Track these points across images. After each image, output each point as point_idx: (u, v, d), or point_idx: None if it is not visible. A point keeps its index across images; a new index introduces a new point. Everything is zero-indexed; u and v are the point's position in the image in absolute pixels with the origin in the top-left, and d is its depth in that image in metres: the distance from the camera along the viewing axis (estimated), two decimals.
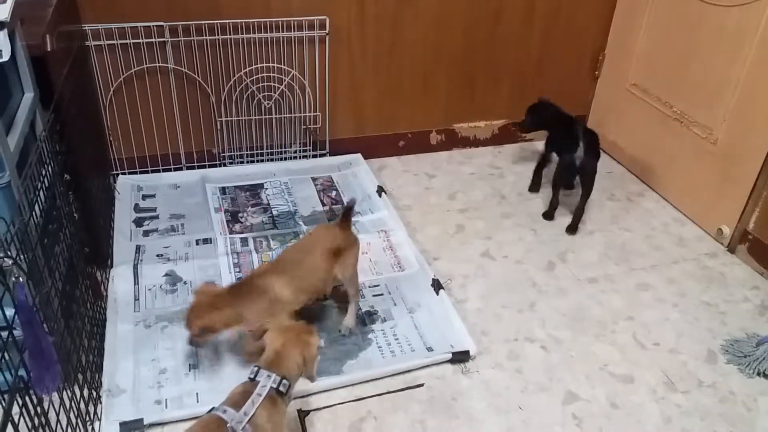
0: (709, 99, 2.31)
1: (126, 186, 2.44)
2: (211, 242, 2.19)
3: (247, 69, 2.44)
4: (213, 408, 1.25)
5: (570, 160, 2.28)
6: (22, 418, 1.05)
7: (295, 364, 1.33)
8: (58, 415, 1.25)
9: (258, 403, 1.24)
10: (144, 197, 2.42)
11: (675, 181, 2.54)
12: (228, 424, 1.19)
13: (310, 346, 1.37)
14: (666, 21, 2.49)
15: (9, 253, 1.05)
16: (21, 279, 1.03)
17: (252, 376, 1.30)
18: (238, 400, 1.25)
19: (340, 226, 1.78)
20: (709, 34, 2.28)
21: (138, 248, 2.14)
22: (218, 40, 2.36)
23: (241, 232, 2.25)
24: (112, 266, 2.03)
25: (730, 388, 1.76)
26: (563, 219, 2.44)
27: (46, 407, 1.15)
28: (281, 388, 1.29)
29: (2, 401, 1.00)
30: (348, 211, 1.80)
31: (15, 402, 1.03)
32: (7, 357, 1.03)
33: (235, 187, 2.50)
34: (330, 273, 1.74)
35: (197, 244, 2.18)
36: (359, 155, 2.72)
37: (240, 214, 2.35)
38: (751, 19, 2.11)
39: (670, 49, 2.47)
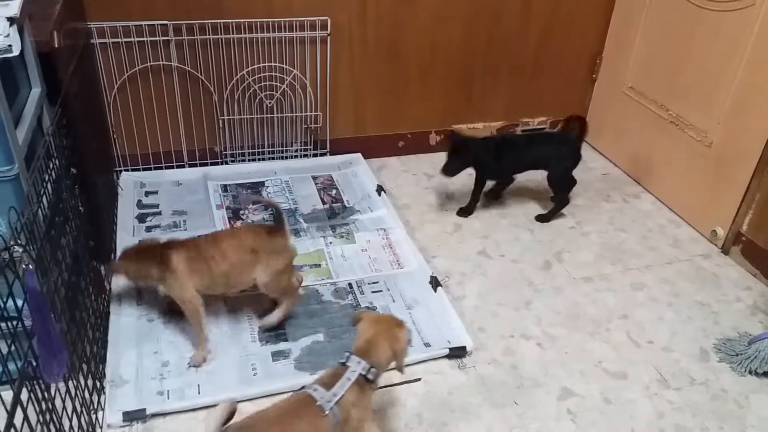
0: (704, 102, 2.35)
1: (129, 182, 2.47)
2: None
3: (250, 68, 2.48)
4: (303, 386, 1.32)
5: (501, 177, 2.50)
6: (30, 403, 1.08)
7: (384, 354, 1.38)
8: (63, 402, 1.28)
9: (347, 386, 1.30)
10: (147, 194, 2.45)
11: (670, 183, 2.57)
12: (317, 402, 1.26)
13: (400, 341, 1.41)
14: (662, 25, 2.53)
15: (19, 241, 1.08)
16: (31, 266, 1.06)
17: (343, 361, 1.36)
18: (328, 381, 1.32)
19: (267, 231, 1.76)
20: (705, 38, 2.32)
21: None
22: (221, 39, 2.40)
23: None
24: (115, 261, 2.06)
25: (722, 386, 1.79)
26: (560, 219, 2.48)
27: (52, 394, 1.18)
28: (369, 376, 1.34)
29: (12, 387, 1.03)
30: (278, 218, 1.77)
31: (24, 387, 1.06)
32: (15, 346, 1.06)
33: (236, 184, 2.53)
34: (239, 270, 1.73)
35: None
36: (359, 155, 2.75)
37: (241, 212, 2.38)
38: (745, 24, 2.15)
39: (666, 53, 2.51)
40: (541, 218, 2.45)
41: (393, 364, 1.42)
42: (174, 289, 1.71)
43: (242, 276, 1.75)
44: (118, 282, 1.96)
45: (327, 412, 1.26)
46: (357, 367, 1.33)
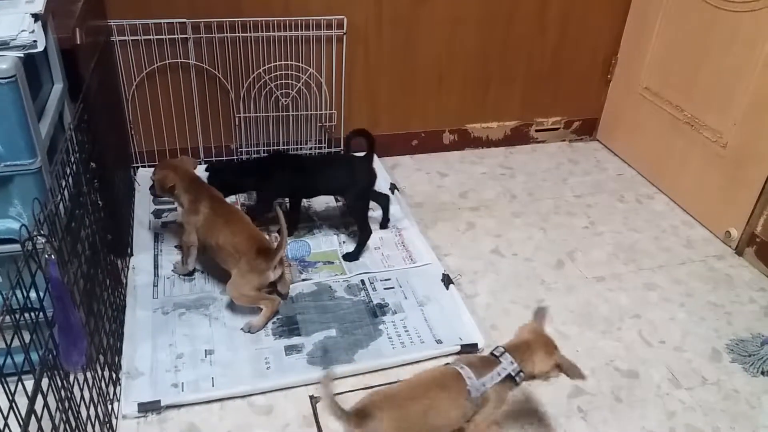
0: (720, 103, 2.34)
1: (146, 178, 2.48)
2: None
3: (266, 66, 2.50)
4: (448, 363, 1.41)
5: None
6: (50, 391, 1.10)
7: (536, 363, 1.43)
8: (81, 391, 1.31)
9: (496, 381, 1.38)
10: None
11: (685, 184, 2.57)
12: (467, 384, 1.35)
13: (559, 357, 1.45)
14: (678, 25, 2.52)
15: (42, 232, 1.11)
16: (53, 257, 1.09)
17: (497, 354, 1.42)
18: (479, 366, 1.40)
19: (257, 249, 1.86)
20: (721, 38, 2.31)
21: (157, 239, 2.21)
22: (239, 37, 2.43)
23: (258, 226, 2.30)
24: (131, 255, 2.09)
25: (734, 386, 1.78)
26: (573, 219, 2.48)
27: (71, 381, 1.21)
28: (517, 378, 1.40)
29: (34, 375, 1.05)
30: (279, 245, 1.85)
31: (44, 375, 1.08)
32: (36, 337, 1.09)
33: None
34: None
35: None
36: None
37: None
38: (762, 24, 2.14)
39: (682, 54, 2.51)
40: (349, 257, 2.17)
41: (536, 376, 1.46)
42: (183, 216, 1.98)
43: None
44: (134, 276, 2.00)
45: (471, 397, 1.34)
46: (509, 366, 1.40)
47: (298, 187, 2.21)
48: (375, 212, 2.41)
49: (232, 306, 1.92)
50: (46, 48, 1.47)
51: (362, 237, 2.18)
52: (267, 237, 2.02)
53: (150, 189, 2.04)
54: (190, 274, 2.04)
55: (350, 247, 2.21)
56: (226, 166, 2.36)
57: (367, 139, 2.16)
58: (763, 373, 1.82)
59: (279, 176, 2.15)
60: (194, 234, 1.96)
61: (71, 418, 1.19)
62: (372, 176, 2.20)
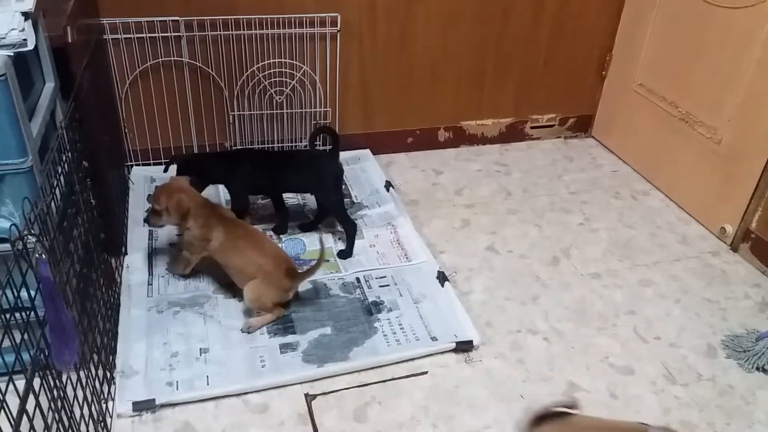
0: (715, 99, 2.34)
1: (140, 177, 2.50)
2: None
3: (260, 64, 2.49)
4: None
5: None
6: (42, 391, 1.10)
7: None
8: (75, 390, 1.30)
9: None
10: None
11: (680, 180, 2.57)
12: None
13: None
14: (673, 22, 2.52)
15: (32, 231, 1.10)
16: (44, 256, 1.08)
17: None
18: None
19: (286, 269, 1.86)
20: (715, 35, 2.31)
21: (151, 237, 2.20)
22: (232, 35, 2.42)
23: (252, 224, 2.30)
24: (126, 254, 2.08)
25: (729, 382, 1.79)
26: (569, 216, 2.48)
27: (64, 381, 1.21)
28: None
29: (25, 375, 1.05)
30: (311, 269, 1.89)
31: (36, 375, 1.08)
32: (28, 336, 1.08)
33: None
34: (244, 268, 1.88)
35: None
36: (368, 151, 2.77)
37: (251, 207, 2.39)
38: (756, 21, 2.14)
39: (677, 50, 2.51)
40: (343, 254, 2.17)
41: None
42: (189, 239, 1.90)
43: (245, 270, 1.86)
44: (129, 275, 1.99)
45: None
46: None
47: (264, 183, 2.19)
48: (371, 210, 2.42)
49: (227, 304, 1.91)
50: (37, 46, 1.46)
51: (349, 231, 2.18)
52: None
53: (148, 218, 1.90)
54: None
55: (344, 245, 2.20)
56: (195, 156, 2.37)
57: (331, 136, 2.20)
58: (758, 368, 1.82)
59: (242, 171, 2.14)
60: (199, 256, 1.93)
61: (64, 418, 1.18)
62: (339, 170, 2.18)
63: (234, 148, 2.37)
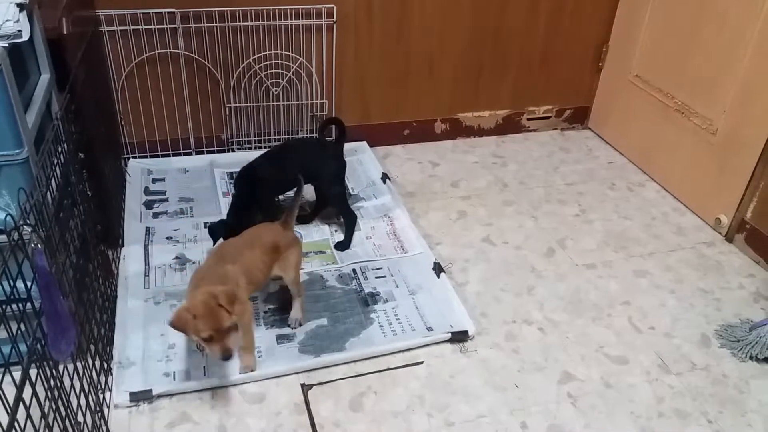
0: (710, 90, 2.35)
1: (136, 169, 2.50)
2: None
3: (256, 56, 2.49)
4: None
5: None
6: (39, 380, 1.10)
7: None
8: (72, 380, 1.31)
9: None
10: (154, 181, 2.48)
11: (675, 171, 2.57)
12: None
13: None
14: (668, 12, 2.52)
15: (28, 221, 1.10)
16: (39, 246, 1.09)
17: None
18: None
19: (281, 225, 1.80)
20: (711, 25, 2.32)
21: (148, 230, 2.21)
22: (228, 27, 2.42)
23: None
24: (122, 245, 2.09)
25: (723, 371, 1.80)
26: (565, 207, 2.49)
27: (61, 371, 1.21)
28: None
29: (22, 364, 1.05)
30: (290, 211, 1.82)
31: (33, 364, 1.08)
32: (24, 327, 1.09)
33: None
34: (269, 268, 1.73)
35: (205, 227, 2.23)
36: (364, 143, 2.77)
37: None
38: (751, 11, 2.14)
39: (672, 41, 2.51)
40: (340, 246, 2.17)
41: None
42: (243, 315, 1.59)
43: (267, 274, 1.74)
44: (126, 267, 2.00)
45: None
46: None
47: (285, 185, 2.16)
48: (368, 202, 2.42)
49: None
50: (32, 38, 1.46)
51: (348, 223, 2.18)
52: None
53: (227, 352, 1.49)
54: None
55: (342, 236, 2.21)
56: (231, 214, 2.10)
57: (339, 127, 2.21)
58: (751, 357, 1.83)
59: (265, 186, 2.11)
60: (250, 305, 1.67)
61: (61, 407, 1.19)
62: (344, 161, 2.21)
63: (242, 170, 2.16)
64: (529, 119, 3.02)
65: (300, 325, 1.83)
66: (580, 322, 1.94)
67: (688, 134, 2.47)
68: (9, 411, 0.96)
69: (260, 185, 2.12)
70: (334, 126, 2.27)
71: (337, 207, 2.22)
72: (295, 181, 2.07)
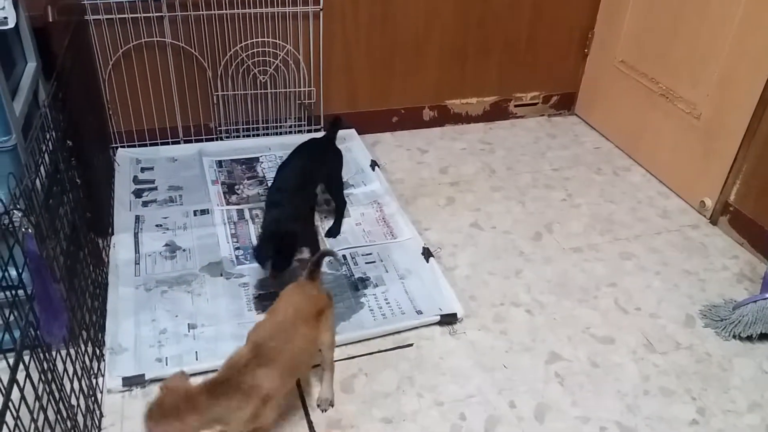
0: (694, 75, 2.38)
1: (125, 158, 2.50)
2: (208, 213, 2.25)
3: (243, 44, 2.49)
4: None
5: None
6: (33, 362, 1.12)
7: None
8: (65, 364, 1.32)
9: None
10: (143, 170, 2.48)
11: (660, 155, 2.61)
12: None
13: None
14: None
15: (18, 206, 1.11)
16: (30, 230, 1.10)
17: None
18: None
19: (311, 281, 1.52)
20: (694, 10, 2.34)
21: (137, 218, 2.21)
22: (214, 14, 2.41)
23: (238, 204, 2.32)
24: (113, 234, 2.09)
25: (707, 350, 1.83)
26: (552, 192, 2.51)
27: (54, 355, 1.22)
28: None
29: (15, 348, 1.06)
30: (316, 265, 1.53)
31: (26, 347, 1.10)
32: (17, 314, 1.10)
33: (231, 160, 2.56)
34: (317, 342, 1.48)
35: (195, 214, 2.25)
36: (353, 130, 2.78)
37: (236, 187, 2.41)
38: None
39: (657, 26, 2.53)
40: (331, 232, 2.17)
41: None
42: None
43: (315, 351, 1.52)
44: (116, 254, 2.01)
45: None
46: None
47: (312, 195, 2.10)
48: (357, 189, 2.44)
49: (214, 283, 1.94)
50: (18, 26, 1.46)
51: (339, 209, 2.21)
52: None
53: None
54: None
55: (331, 222, 2.22)
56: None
57: (340, 125, 2.28)
58: (734, 336, 1.87)
59: (297, 209, 1.95)
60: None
61: (54, 390, 1.20)
62: (341, 152, 2.25)
63: (268, 204, 1.97)
64: (516, 106, 3.04)
65: (332, 406, 1.58)
66: (567, 304, 1.97)
67: (673, 119, 2.50)
68: (3, 392, 0.97)
69: (299, 211, 1.96)
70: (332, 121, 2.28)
71: (335, 194, 2.21)
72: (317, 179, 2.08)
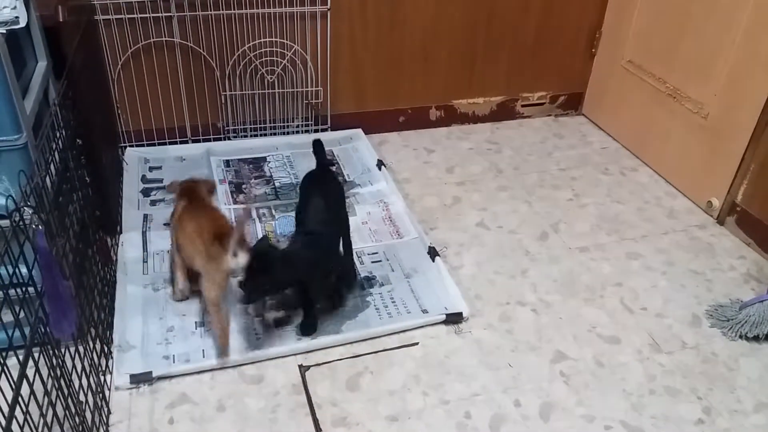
0: (701, 74, 2.37)
1: (133, 158, 2.52)
2: None
3: (251, 44, 2.51)
4: None
5: None
6: (42, 357, 1.13)
7: None
8: (73, 360, 1.34)
9: None
10: (151, 169, 2.49)
11: (668, 155, 2.60)
12: None
13: None
14: None
15: (29, 203, 1.13)
16: (40, 227, 1.11)
17: None
18: None
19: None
20: (702, 10, 2.33)
21: (146, 217, 2.23)
22: (223, 14, 2.43)
23: (245, 203, 2.33)
24: (121, 232, 2.11)
25: (713, 350, 1.83)
26: (558, 192, 2.51)
27: (63, 351, 1.24)
28: None
29: (25, 342, 1.08)
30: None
31: (35, 344, 1.11)
32: (27, 311, 1.11)
33: (238, 159, 2.58)
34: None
35: None
36: (360, 130, 2.79)
37: (244, 186, 2.43)
38: None
39: (664, 26, 2.53)
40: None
41: None
42: None
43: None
44: (124, 253, 2.02)
45: None
46: None
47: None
48: (363, 188, 2.45)
49: None
50: (29, 25, 1.48)
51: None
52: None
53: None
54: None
55: None
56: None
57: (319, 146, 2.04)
58: (741, 336, 1.87)
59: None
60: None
61: (63, 386, 1.21)
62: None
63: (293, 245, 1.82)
64: (523, 106, 3.04)
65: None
66: (573, 303, 1.97)
67: (680, 119, 2.49)
68: (13, 387, 0.98)
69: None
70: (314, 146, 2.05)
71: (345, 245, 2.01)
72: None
